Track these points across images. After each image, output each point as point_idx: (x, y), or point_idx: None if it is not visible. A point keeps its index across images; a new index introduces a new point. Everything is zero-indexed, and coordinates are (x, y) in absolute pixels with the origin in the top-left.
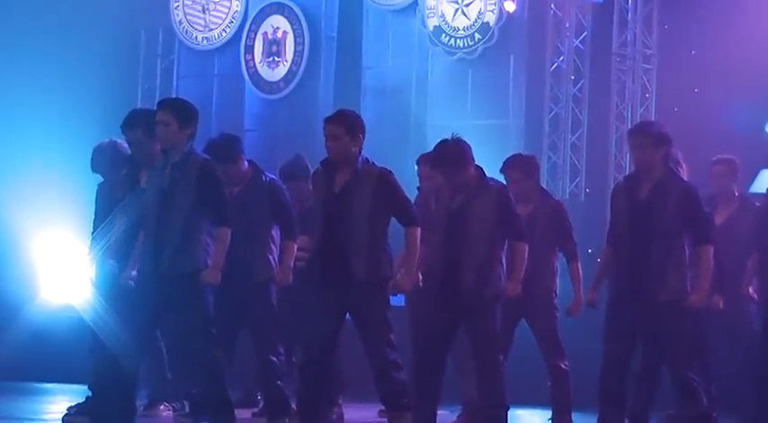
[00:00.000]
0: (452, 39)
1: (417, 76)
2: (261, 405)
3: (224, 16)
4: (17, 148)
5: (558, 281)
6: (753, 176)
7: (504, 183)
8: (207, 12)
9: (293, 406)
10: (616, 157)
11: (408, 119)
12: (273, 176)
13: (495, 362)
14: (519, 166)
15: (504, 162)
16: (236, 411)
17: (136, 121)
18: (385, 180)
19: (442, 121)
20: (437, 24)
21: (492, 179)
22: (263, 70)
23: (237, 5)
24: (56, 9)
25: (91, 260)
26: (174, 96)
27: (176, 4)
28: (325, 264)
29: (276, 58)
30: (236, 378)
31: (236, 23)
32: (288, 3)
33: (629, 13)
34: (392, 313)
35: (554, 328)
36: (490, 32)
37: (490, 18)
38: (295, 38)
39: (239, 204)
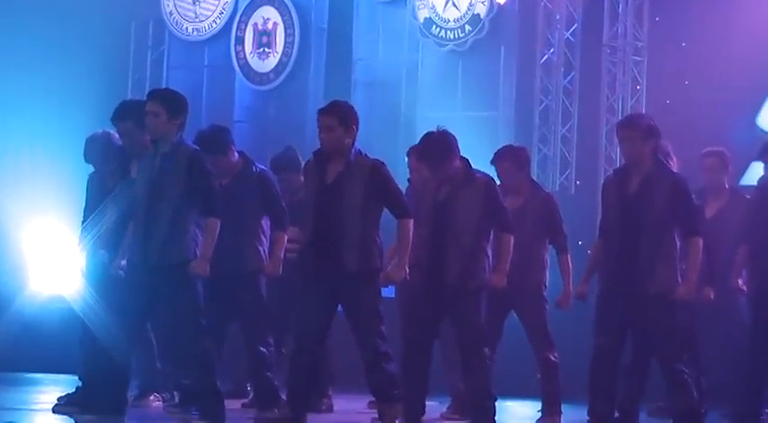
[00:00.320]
0: (443, 30)
1: (408, 67)
2: (250, 396)
3: (214, 7)
4: (7, 137)
5: (547, 273)
6: (743, 169)
7: (494, 174)
8: (197, 3)
9: (283, 397)
10: (606, 150)
11: (399, 110)
12: (263, 167)
13: (479, 353)
14: (510, 157)
15: (495, 154)
16: (226, 402)
17: (126, 113)
18: (378, 172)
19: (432, 113)
20: (428, 16)
21: (478, 171)
22: (254, 61)
23: None
24: (47, 1)
25: (81, 251)
26: (163, 87)
27: None
28: (316, 255)
29: (266, 50)
30: (226, 369)
31: (227, 14)
32: None
33: (620, 5)
34: (383, 304)
35: (543, 320)
36: (481, 24)
37: (481, 10)
38: (285, 29)
39: (229, 195)
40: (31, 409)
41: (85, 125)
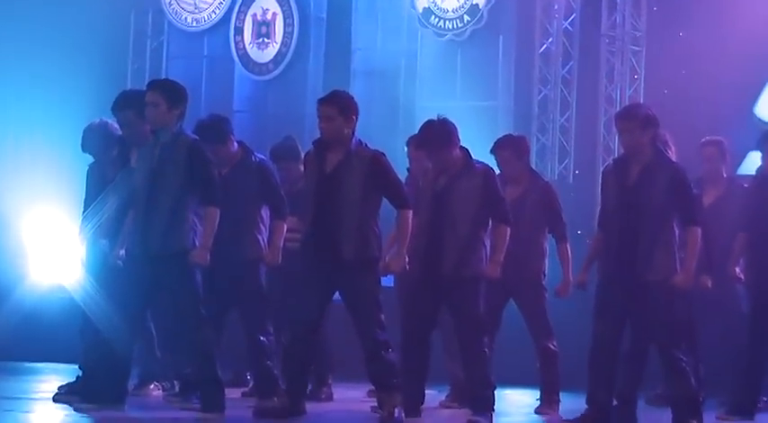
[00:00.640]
0: (442, 20)
1: (407, 57)
2: (250, 385)
3: None
4: (7, 126)
5: (546, 262)
6: (741, 158)
7: (493, 164)
8: None
9: (282, 385)
10: (605, 139)
11: (398, 100)
12: (263, 157)
13: (478, 343)
14: (510, 146)
15: (495, 143)
16: (226, 391)
17: (126, 103)
18: (378, 162)
19: (431, 103)
20: (426, 6)
21: (477, 161)
22: (253, 51)
23: None
24: None
25: (82, 241)
26: (163, 77)
27: None
28: (315, 244)
29: (266, 40)
30: (226, 358)
31: (226, 5)
32: None
33: None
34: (382, 294)
35: (543, 308)
36: (479, 14)
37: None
38: (284, 19)
39: (228, 185)
40: (32, 399)
41: (85, 114)
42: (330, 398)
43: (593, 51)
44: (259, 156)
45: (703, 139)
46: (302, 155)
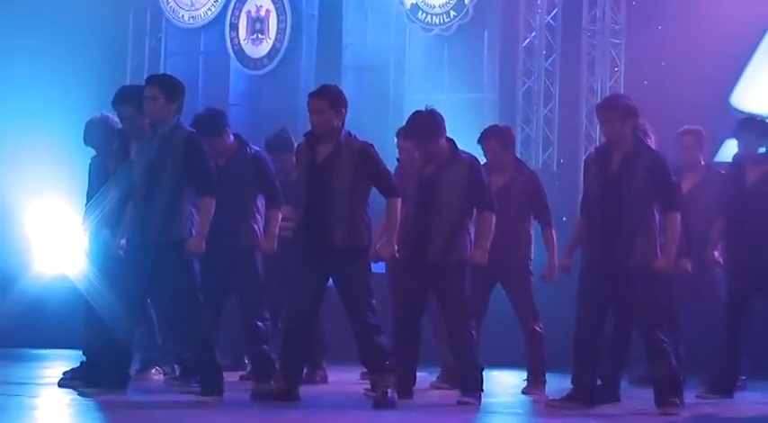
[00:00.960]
0: (429, 16)
1: (395, 52)
2: (248, 369)
3: None
4: (11, 121)
5: (532, 247)
6: (718, 146)
7: (480, 154)
8: None
9: (278, 369)
10: (587, 129)
11: (387, 93)
12: (258, 149)
13: (465, 326)
14: (496, 137)
15: (482, 133)
16: (225, 375)
17: (126, 97)
18: (367, 153)
19: (419, 95)
20: (414, 2)
21: (463, 151)
22: (248, 47)
23: None
24: None
25: (84, 231)
26: (161, 73)
27: None
28: (308, 232)
29: (260, 36)
30: (224, 343)
31: (221, 2)
32: None
33: None
34: (373, 280)
35: (529, 292)
36: (465, 9)
37: None
38: (278, 16)
39: (225, 176)
40: (38, 384)
41: (86, 109)
42: (324, 380)
43: (574, 45)
44: (254, 147)
45: (681, 128)
46: (295, 146)
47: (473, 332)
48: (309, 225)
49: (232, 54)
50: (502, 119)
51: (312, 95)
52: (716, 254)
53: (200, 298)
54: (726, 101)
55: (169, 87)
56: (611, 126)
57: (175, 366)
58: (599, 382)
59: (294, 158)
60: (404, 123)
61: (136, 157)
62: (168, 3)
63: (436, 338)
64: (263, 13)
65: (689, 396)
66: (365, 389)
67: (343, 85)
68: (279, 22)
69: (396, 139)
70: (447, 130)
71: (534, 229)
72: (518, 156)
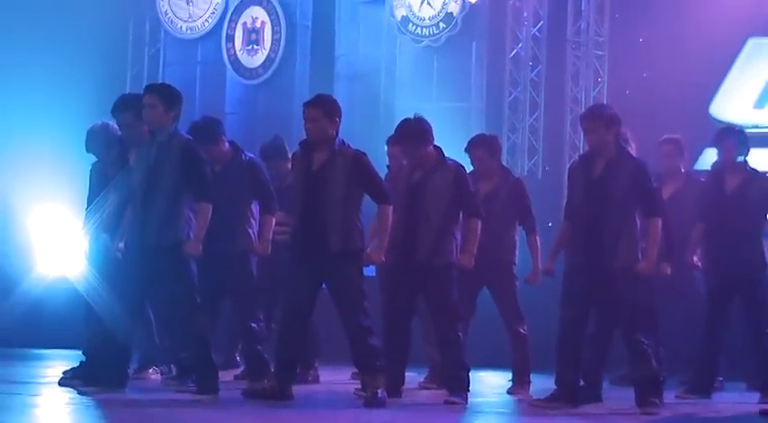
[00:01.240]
0: (419, 28)
1: (386, 62)
2: (242, 368)
3: (206, 7)
4: (14, 127)
5: (517, 252)
6: (698, 154)
7: (467, 161)
8: (191, 3)
9: (272, 368)
10: (571, 137)
11: (378, 102)
12: (253, 156)
13: (453, 328)
14: (482, 145)
15: (469, 142)
16: (220, 374)
17: (125, 105)
18: (360, 161)
19: (409, 104)
20: (404, 14)
21: (450, 158)
22: (243, 57)
23: None
24: (52, 2)
25: (85, 235)
26: (160, 82)
27: None
28: (303, 238)
29: (255, 46)
30: (219, 343)
31: (218, 14)
32: None
33: (583, 3)
34: (365, 283)
35: (514, 295)
36: (454, 22)
37: (454, 8)
38: (273, 27)
39: (221, 182)
40: (39, 382)
41: (87, 118)
42: (317, 380)
43: (559, 56)
44: (249, 154)
45: (662, 137)
46: (289, 153)
47: (460, 334)
48: (305, 230)
49: (228, 64)
50: (489, 127)
51: (307, 104)
52: (695, 258)
53: (196, 299)
54: (705, 111)
55: (167, 96)
56: (595, 135)
57: (172, 366)
58: (582, 382)
59: (288, 165)
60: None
61: (135, 164)
62: (167, 14)
63: (425, 340)
64: (258, 24)
65: (668, 396)
66: (356, 388)
67: (335, 94)
68: (274, 33)
69: (386, 147)
70: (435, 137)
71: (519, 234)
72: (504, 163)
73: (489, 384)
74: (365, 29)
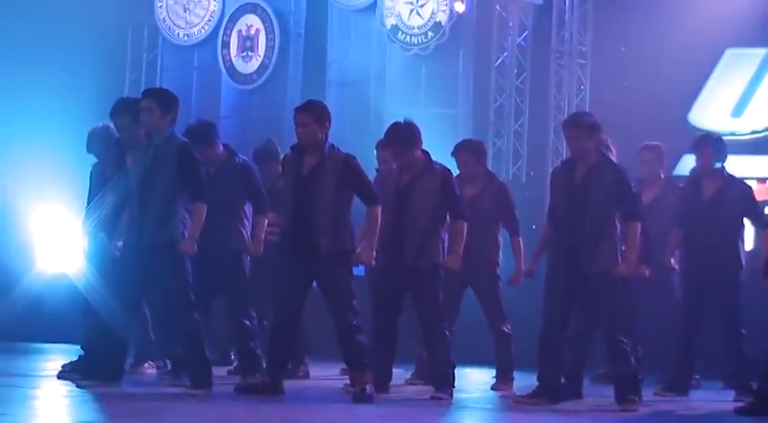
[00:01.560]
0: (408, 36)
1: (376, 69)
2: (235, 364)
3: (203, 15)
4: (16, 131)
5: (501, 254)
6: (676, 161)
7: (454, 165)
8: (188, 11)
9: (264, 364)
10: (554, 143)
11: (368, 108)
12: (246, 158)
13: (439, 326)
14: (468, 150)
15: (455, 147)
16: (213, 369)
17: (124, 109)
18: (350, 165)
19: (398, 110)
20: (394, 23)
21: (437, 162)
22: (238, 64)
23: (215, 5)
24: (52, 7)
25: (84, 233)
26: (157, 87)
27: (160, 3)
28: (294, 239)
29: (250, 53)
30: (213, 340)
31: (214, 21)
32: (260, 3)
33: (567, 14)
34: (354, 282)
35: (497, 295)
36: (442, 31)
37: (442, 18)
38: (267, 35)
39: (215, 183)
40: (38, 376)
41: (88, 120)
42: (307, 376)
43: (543, 65)
44: (242, 157)
45: (642, 144)
46: (281, 157)
47: (446, 332)
48: (296, 232)
49: (223, 70)
50: (475, 133)
51: (298, 110)
52: (672, 261)
53: (191, 297)
54: (684, 119)
55: (164, 100)
56: (577, 141)
57: (167, 361)
58: (563, 380)
59: (280, 168)
60: (383, 136)
61: (132, 165)
62: (165, 22)
63: (411, 338)
64: (252, 32)
65: (647, 393)
66: (345, 384)
67: (327, 100)
68: (268, 40)
69: (375, 151)
70: (423, 142)
71: (503, 236)
72: (489, 168)
73: (474, 381)
74: (356, 37)
